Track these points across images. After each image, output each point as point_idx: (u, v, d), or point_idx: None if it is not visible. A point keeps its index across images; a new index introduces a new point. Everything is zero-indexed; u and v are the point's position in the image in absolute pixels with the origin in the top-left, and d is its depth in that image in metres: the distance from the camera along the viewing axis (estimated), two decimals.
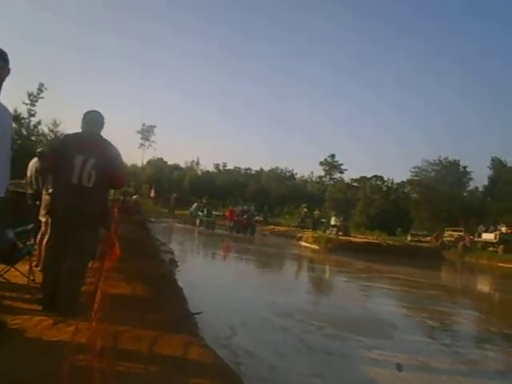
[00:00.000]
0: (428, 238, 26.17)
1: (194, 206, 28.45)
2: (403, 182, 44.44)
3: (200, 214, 24.01)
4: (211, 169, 53.00)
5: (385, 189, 42.54)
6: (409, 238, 25.85)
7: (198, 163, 52.83)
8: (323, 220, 25.89)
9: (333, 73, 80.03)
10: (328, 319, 6.40)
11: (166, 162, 53.05)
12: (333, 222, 22.97)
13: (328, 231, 22.66)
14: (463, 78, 70.79)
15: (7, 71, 2.52)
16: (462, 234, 25.51)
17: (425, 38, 74.14)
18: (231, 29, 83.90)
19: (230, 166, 53.38)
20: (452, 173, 42.45)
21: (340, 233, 21.95)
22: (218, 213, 27.06)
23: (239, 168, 53.25)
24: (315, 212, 26.74)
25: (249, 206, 26.99)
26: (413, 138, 69.83)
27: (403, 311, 8.21)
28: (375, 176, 43.79)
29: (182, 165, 52.72)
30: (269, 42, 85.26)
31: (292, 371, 4.26)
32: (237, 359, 4.11)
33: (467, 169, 42.41)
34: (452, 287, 13.25)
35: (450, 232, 26.53)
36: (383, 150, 73.09)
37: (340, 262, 15.38)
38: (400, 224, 30.68)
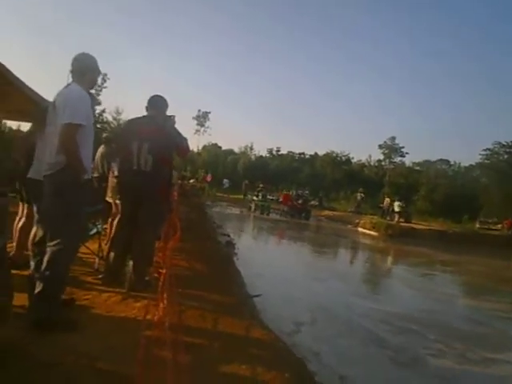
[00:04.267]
0: (498, 226, 24.15)
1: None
2: (472, 165, 41.26)
3: (255, 198, 24.16)
4: (265, 153, 52.96)
5: (451, 173, 39.68)
6: (477, 226, 24.00)
7: (251, 148, 52.92)
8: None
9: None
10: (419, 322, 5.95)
11: (220, 148, 53.95)
12: (396, 209, 21.81)
13: (389, 217, 21.66)
14: None
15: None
16: None
17: None
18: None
19: (283, 151, 53.01)
20: None
21: (401, 219, 20.95)
22: (271, 197, 27.11)
23: (293, 152, 52.65)
24: (386, 199, 24.83)
25: (303, 191, 26.59)
26: (483, 119, 64.27)
27: None
28: (440, 160, 41.00)
29: (236, 150, 53.39)
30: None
31: None
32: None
33: None
34: None
35: None
36: (449, 133, 68.00)
37: (407, 252, 14.74)
38: (467, 211, 28.52)
